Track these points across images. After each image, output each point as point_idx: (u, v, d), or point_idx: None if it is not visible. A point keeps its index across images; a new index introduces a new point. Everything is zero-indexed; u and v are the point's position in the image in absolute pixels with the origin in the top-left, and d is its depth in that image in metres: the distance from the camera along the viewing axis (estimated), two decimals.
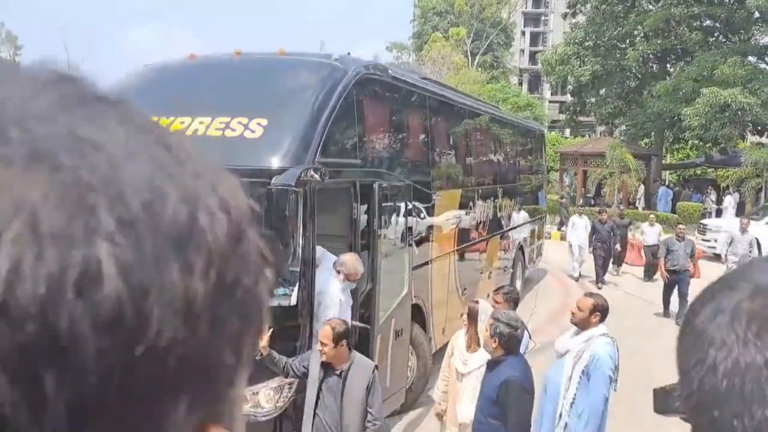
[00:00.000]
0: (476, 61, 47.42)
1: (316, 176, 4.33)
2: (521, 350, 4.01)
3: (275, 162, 4.41)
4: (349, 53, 5.71)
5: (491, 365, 3.88)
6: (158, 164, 0.29)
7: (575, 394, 3.91)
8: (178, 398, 0.29)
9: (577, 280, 13.12)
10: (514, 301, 5.01)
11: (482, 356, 4.24)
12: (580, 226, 13.36)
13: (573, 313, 4.15)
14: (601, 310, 4.07)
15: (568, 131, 35.93)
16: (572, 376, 3.95)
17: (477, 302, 4.68)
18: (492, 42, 49.82)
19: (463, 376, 4.45)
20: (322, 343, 3.83)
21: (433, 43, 42.70)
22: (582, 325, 4.09)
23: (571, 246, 13.40)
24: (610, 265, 13.44)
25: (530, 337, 4.59)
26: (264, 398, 4.37)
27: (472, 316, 4.45)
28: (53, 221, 0.26)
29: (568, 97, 34.35)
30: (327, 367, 3.95)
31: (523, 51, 71.97)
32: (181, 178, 0.30)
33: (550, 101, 64.40)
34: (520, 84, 63.67)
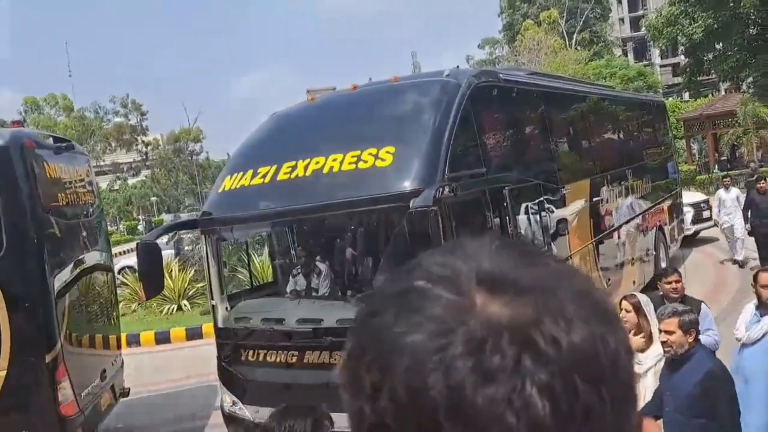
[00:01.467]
0: (574, 41, 45.74)
1: (449, 192, 4.46)
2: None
3: (409, 185, 4.60)
4: (458, 66, 5.82)
5: (680, 361, 3.70)
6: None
7: None
8: None
9: (742, 266, 10.98)
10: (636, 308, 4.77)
11: (655, 352, 4.08)
12: (729, 202, 11.41)
13: (758, 294, 3.90)
14: None
15: (687, 94, 33.48)
16: None
17: (633, 296, 4.51)
18: (587, 17, 47.80)
19: (639, 377, 4.29)
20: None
21: (525, 31, 41.78)
22: None
23: (724, 229, 11.53)
24: None
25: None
26: None
27: (638, 310, 4.28)
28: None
29: (682, 58, 32.13)
30: None
31: (622, 20, 68.25)
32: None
33: (661, 66, 60.48)
34: (625, 54, 60.32)
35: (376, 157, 4.82)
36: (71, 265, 6.30)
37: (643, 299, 4.35)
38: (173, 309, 13.00)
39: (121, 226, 49.15)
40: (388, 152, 4.81)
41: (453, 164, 4.82)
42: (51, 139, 6.60)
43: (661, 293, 4.90)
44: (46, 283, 5.69)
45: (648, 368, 4.09)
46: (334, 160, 4.98)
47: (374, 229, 5.34)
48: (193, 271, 13.89)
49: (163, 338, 11.82)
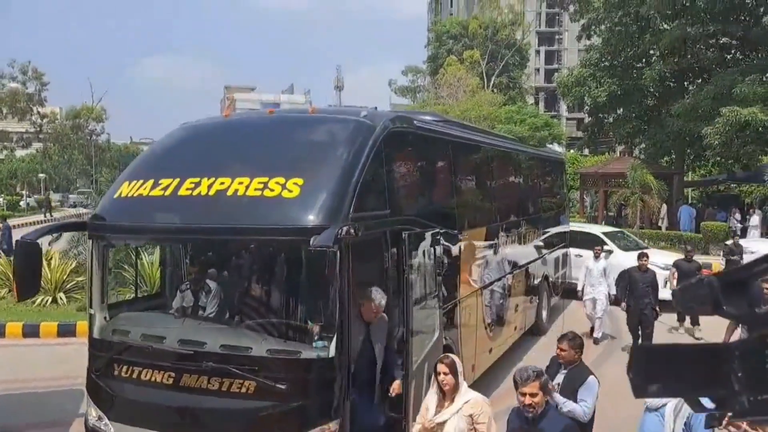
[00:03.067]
0: (492, 83, 47.77)
1: (352, 233, 4.54)
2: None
3: (313, 221, 4.63)
4: (376, 108, 5.97)
5: (537, 419, 3.99)
6: None
7: None
8: None
9: (596, 343, 10.57)
10: (579, 347, 5.03)
11: (455, 408, 4.32)
12: (595, 272, 10.92)
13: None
14: None
15: (587, 150, 35.91)
16: (675, 430, 3.94)
17: (447, 356, 4.61)
18: (507, 63, 50.17)
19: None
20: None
21: (448, 66, 43.15)
22: None
23: (585, 300, 11.13)
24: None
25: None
26: None
27: (454, 371, 4.40)
28: None
29: (586, 116, 34.43)
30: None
31: (538, 70, 72.28)
32: None
33: (567, 118, 64.39)
34: (537, 103, 63.81)
35: (284, 187, 4.82)
36: None
37: (457, 360, 4.58)
38: (47, 301, 12.18)
39: (0, 199, 45.34)
40: (296, 183, 4.83)
41: (358, 204, 4.91)
42: None
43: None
44: None
45: (442, 423, 4.33)
46: (240, 183, 4.93)
47: (271, 259, 5.32)
48: (75, 263, 13.10)
49: (31, 332, 11.03)
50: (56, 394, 8.24)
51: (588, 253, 12.02)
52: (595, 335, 10.80)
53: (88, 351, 5.36)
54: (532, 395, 3.93)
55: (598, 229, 15.56)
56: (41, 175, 50.22)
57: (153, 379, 4.89)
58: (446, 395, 4.36)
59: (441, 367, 4.35)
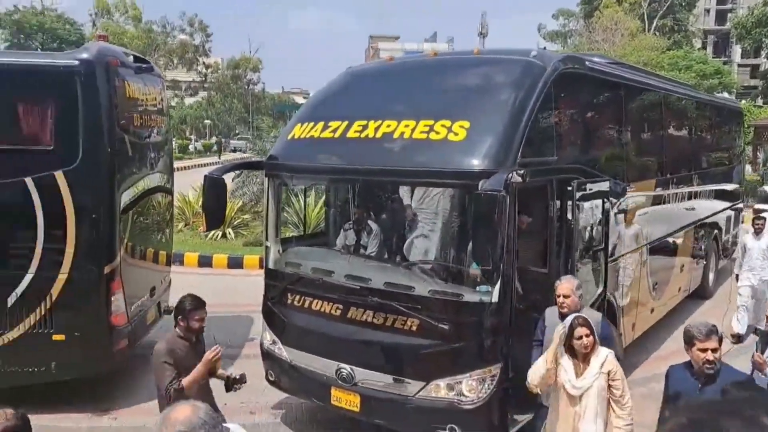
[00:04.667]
0: (654, 26, 43.67)
1: (519, 178, 4.42)
2: None
3: (480, 165, 4.57)
4: (545, 48, 5.66)
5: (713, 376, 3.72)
6: None
7: None
8: None
9: (738, 340, 7.72)
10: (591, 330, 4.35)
11: (594, 371, 4.06)
12: (756, 252, 8.33)
13: None
14: None
15: (761, 100, 31.87)
16: None
17: (582, 317, 4.22)
18: (672, 3, 45.42)
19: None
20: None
21: (605, 8, 39.99)
22: None
23: (740, 288, 8.44)
24: None
25: None
26: (466, 388, 4.64)
27: (593, 331, 4.11)
28: None
29: (764, 62, 30.48)
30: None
31: (708, 11, 64.76)
32: None
33: (740, 65, 57.57)
34: (705, 47, 57.45)
35: (449, 129, 4.78)
36: (137, 183, 6.53)
37: (593, 317, 4.31)
38: (218, 235, 13.39)
39: (173, 143, 50.11)
40: (462, 126, 4.77)
41: (527, 149, 4.75)
42: (131, 58, 6.74)
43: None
44: (113, 198, 5.94)
45: (588, 388, 4.06)
46: (406, 126, 4.97)
47: (435, 202, 5.35)
48: (241, 202, 14.22)
49: (205, 262, 12.22)
50: (226, 319, 9.10)
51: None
52: (738, 331, 7.99)
53: (264, 280, 5.80)
54: (714, 350, 3.68)
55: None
56: (207, 122, 54.69)
57: (322, 309, 5.21)
58: (583, 357, 4.12)
59: (581, 330, 4.05)
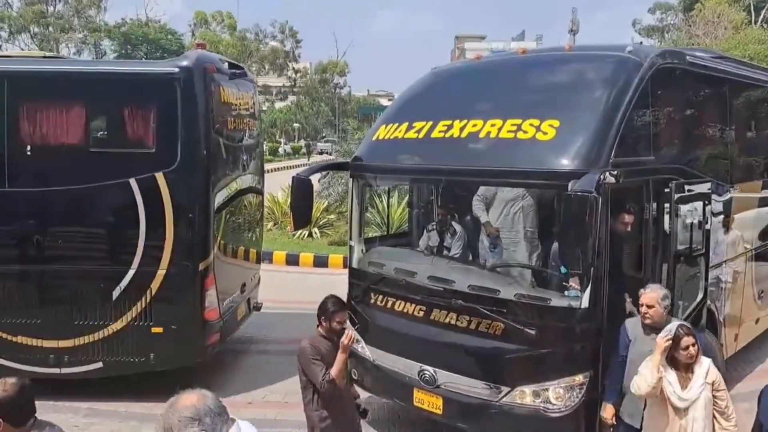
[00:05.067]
0: (762, 17, 40.64)
1: (613, 179, 4.23)
2: None
3: (570, 165, 4.41)
4: (641, 43, 5.40)
5: None
6: None
7: None
8: None
9: None
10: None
11: (698, 383, 3.84)
12: None
13: None
14: None
15: None
16: None
17: (686, 326, 4.01)
18: None
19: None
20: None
21: (706, 0, 37.67)
22: None
23: None
24: None
25: None
26: (553, 395, 4.49)
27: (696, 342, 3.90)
28: None
29: None
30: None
31: None
32: None
33: None
34: None
35: (538, 129, 4.65)
36: (231, 184, 6.81)
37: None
38: (304, 234, 13.76)
39: (264, 146, 52.12)
40: (551, 125, 4.62)
41: (620, 149, 4.53)
42: (226, 65, 7.03)
43: None
44: (208, 198, 6.22)
45: (695, 400, 3.84)
46: (492, 125, 4.87)
47: (522, 203, 5.23)
48: (326, 203, 14.54)
49: (293, 260, 12.59)
50: (306, 316, 9.34)
51: None
52: None
53: (348, 279, 5.87)
54: None
55: None
56: (295, 125, 56.42)
57: (405, 310, 5.21)
58: (686, 368, 3.89)
59: (688, 340, 3.82)
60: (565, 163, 4.46)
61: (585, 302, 4.38)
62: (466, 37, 68.49)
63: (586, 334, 4.46)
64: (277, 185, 15.00)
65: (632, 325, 4.42)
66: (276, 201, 14.98)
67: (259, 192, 8.05)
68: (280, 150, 50.19)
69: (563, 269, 4.51)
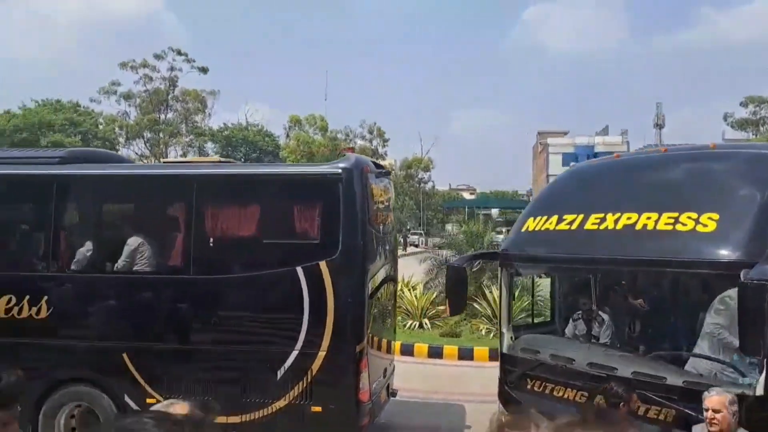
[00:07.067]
0: None
1: None
2: None
3: (736, 255, 4.64)
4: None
5: None
6: None
7: None
8: None
9: None
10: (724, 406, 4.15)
11: None
12: None
13: None
14: None
15: None
16: None
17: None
18: None
19: None
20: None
21: None
22: None
23: None
24: None
25: None
26: None
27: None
28: None
29: None
30: None
31: None
32: None
33: None
34: None
35: (697, 221, 4.92)
36: (378, 272, 7.35)
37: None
38: (415, 325, 14.03)
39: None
40: (710, 218, 4.89)
41: None
42: (373, 165, 7.80)
43: None
44: (364, 285, 6.75)
45: None
46: (648, 218, 5.19)
47: (682, 291, 5.41)
48: (435, 293, 14.86)
49: (407, 350, 12.81)
50: (433, 405, 9.49)
51: None
52: None
53: (499, 365, 6.12)
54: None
55: None
56: None
57: (565, 395, 5.38)
58: None
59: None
60: (731, 254, 4.68)
61: (760, 390, 4.45)
62: (549, 132, 69.38)
63: (758, 422, 4.47)
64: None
65: None
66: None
67: (395, 280, 8.55)
68: None
69: (735, 357, 4.61)
